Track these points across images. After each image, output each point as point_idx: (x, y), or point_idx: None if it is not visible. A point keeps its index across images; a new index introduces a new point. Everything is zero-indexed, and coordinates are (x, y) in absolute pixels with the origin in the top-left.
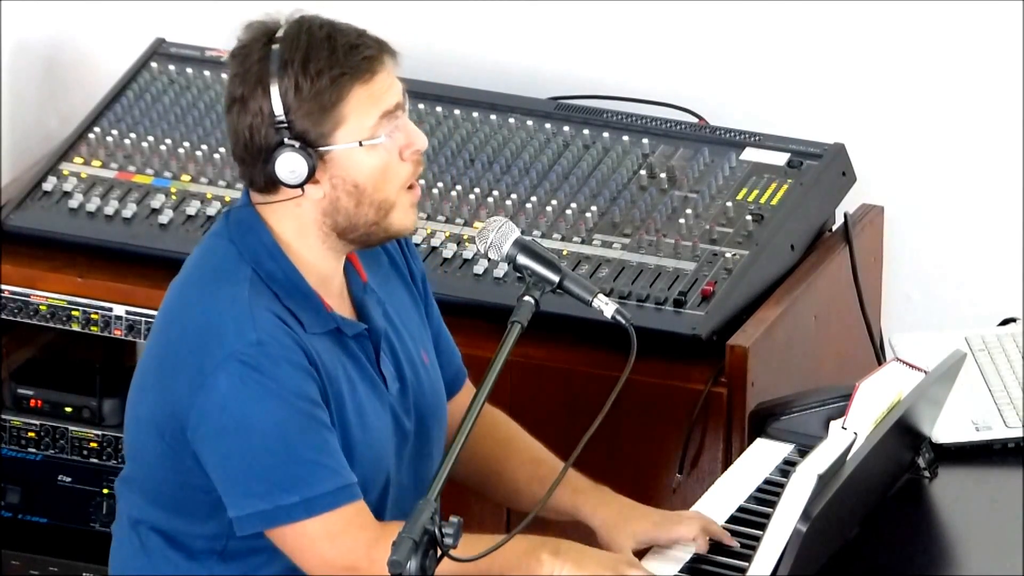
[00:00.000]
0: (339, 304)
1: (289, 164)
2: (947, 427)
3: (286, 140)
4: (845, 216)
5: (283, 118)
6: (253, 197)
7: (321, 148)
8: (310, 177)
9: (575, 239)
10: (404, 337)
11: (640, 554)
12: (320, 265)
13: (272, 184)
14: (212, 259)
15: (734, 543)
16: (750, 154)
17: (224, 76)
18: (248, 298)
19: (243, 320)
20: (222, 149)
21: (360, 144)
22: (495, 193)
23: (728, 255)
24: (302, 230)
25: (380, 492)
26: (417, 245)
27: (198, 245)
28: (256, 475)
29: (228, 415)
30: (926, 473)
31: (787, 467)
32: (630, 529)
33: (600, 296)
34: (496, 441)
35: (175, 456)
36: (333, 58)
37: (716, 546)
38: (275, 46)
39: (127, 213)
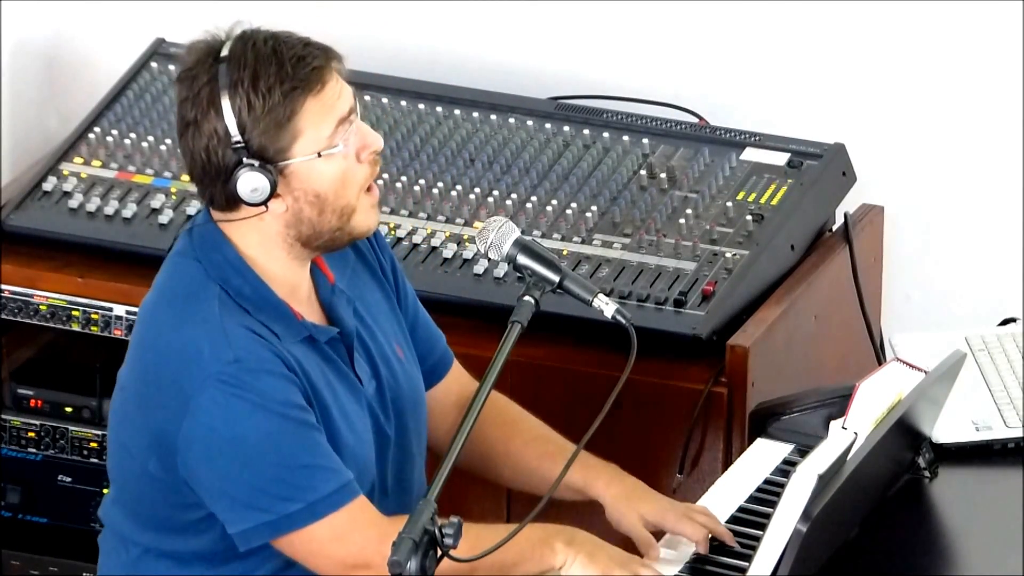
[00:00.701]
0: (308, 310)
1: (250, 183)
2: (947, 427)
3: (244, 159)
4: (845, 216)
5: (239, 138)
6: (214, 214)
7: (280, 163)
8: (272, 193)
9: (575, 239)
10: (376, 333)
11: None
12: (287, 275)
13: (233, 202)
14: (180, 280)
15: (734, 544)
16: (750, 154)
17: None
18: (219, 316)
19: (217, 340)
20: None
21: (319, 155)
22: (495, 193)
23: (728, 255)
24: (266, 243)
25: (367, 492)
26: (416, 245)
27: (163, 265)
28: (255, 489)
29: (217, 435)
30: (926, 473)
31: (787, 467)
32: (640, 508)
33: (600, 296)
34: (501, 423)
35: (166, 479)
36: (282, 73)
37: (716, 546)
38: (222, 65)
39: (127, 213)
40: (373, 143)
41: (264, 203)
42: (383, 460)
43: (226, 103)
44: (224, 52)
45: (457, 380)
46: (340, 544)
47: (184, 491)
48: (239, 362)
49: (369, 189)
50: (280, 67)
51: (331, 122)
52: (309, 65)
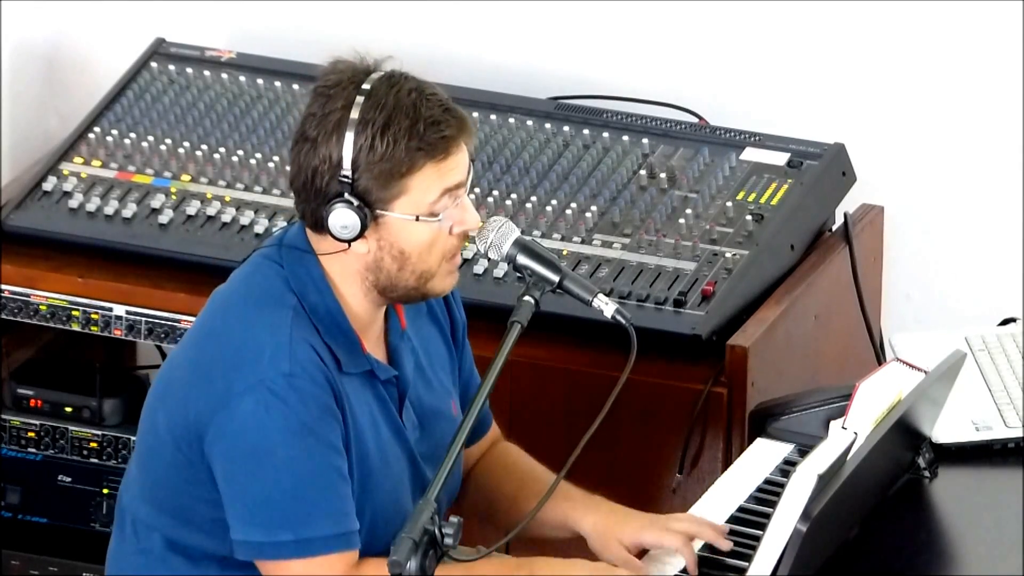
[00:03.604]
0: (374, 347)
1: (343, 219)
2: (947, 427)
3: (346, 194)
4: (845, 216)
5: (349, 173)
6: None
7: (377, 211)
8: (360, 235)
9: (575, 239)
10: (434, 387)
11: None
12: (360, 309)
13: (320, 226)
14: (260, 281)
15: (727, 545)
16: (750, 154)
17: (224, 76)
18: (290, 327)
19: (280, 349)
20: (222, 149)
21: (417, 218)
22: (495, 193)
23: (728, 255)
24: (345, 275)
25: (396, 530)
26: None
27: (247, 261)
28: (258, 505)
29: (246, 440)
30: (926, 473)
31: (787, 467)
32: (618, 533)
33: (600, 296)
34: (499, 467)
35: (189, 467)
36: (414, 129)
37: (710, 556)
38: (360, 97)
39: (127, 213)
40: (470, 223)
41: (348, 241)
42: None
43: (350, 135)
44: (367, 85)
45: (490, 438)
46: None
47: (207, 485)
48: (292, 378)
49: (452, 257)
50: (414, 123)
51: (438, 190)
52: (441, 132)
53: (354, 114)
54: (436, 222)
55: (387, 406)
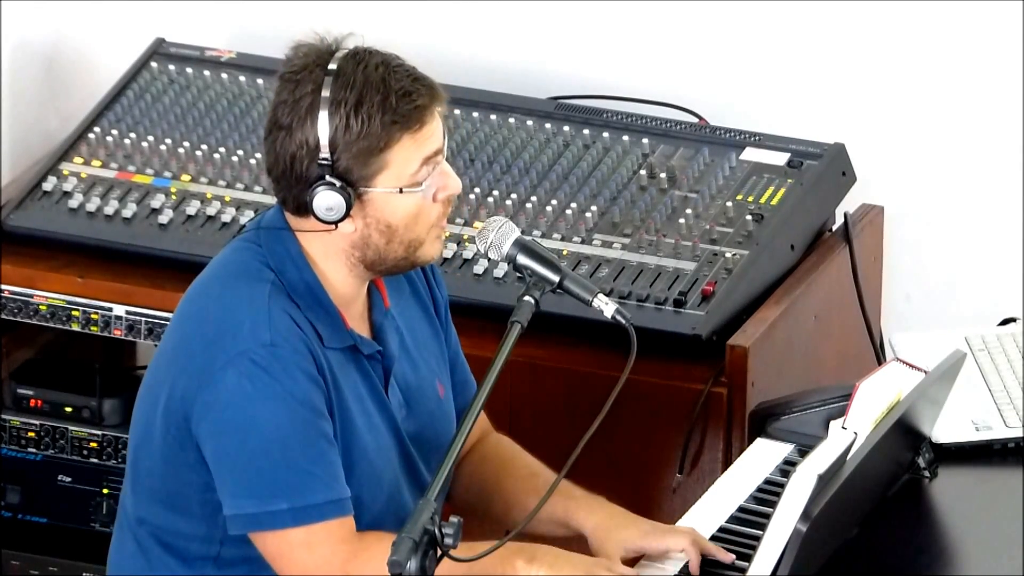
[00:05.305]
0: (358, 324)
1: (327, 201)
2: (947, 427)
3: (327, 177)
4: (845, 216)
5: (328, 155)
6: (285, 212)
7: (361, 189)
8: (346, 215)
9: (575, 239)
10: (420, 368)
11: (630, 563)
12: (343, 287)
13: (305, 211)
14: (236, 261)
15: (729, 558)
16: (750, 154)
17: (224, 76)
18: (268, 299)
19: (259, 320)
20: (222, 149)
21: (400, 190)
22: (495, 193)
23: (728, 255)
24: (329, 254)
25: (382, 507)
26: None
27: (224, 248)
28: (250, 477)
29: (232, 413)
30: (926, 473)
31: (787, 467)
32: (620, 536)
33: (600, 296)
34: (495, 460)
35: (178, 450)
36: (386, 103)
37: (709, 568)
38: (328, 78)
39: (127, 213)
40: (452, 188)
41: (335, 223)
42: (411, 486)
43: (324, 118)
44: (333, 65)
45: (479, 426)
46: (308, 553)
47: (196, 468)
48: (274, 347)
49: (439, 223)
50: (385, 97)
51: (418, 160)
52: (414, 102)
53: (325, 95)
54: (419, 191)
55: (372, 382)
